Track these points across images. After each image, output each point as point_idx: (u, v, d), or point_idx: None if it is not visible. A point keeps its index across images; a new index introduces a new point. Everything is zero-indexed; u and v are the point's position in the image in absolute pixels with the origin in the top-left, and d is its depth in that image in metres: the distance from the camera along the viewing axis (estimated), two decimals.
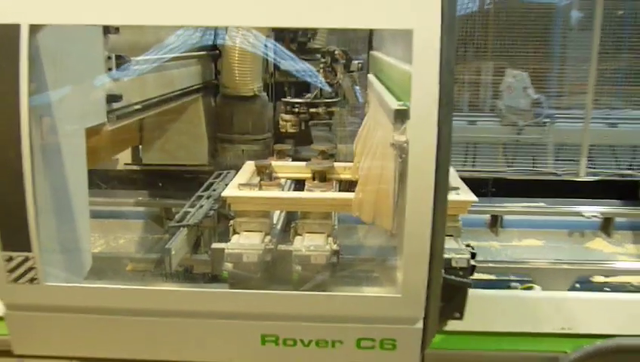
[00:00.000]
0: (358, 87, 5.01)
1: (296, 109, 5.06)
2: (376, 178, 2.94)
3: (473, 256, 3.00)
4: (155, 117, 4.41)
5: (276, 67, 5.32)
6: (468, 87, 7.03)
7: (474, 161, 6.85)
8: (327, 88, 4.96)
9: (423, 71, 2.21)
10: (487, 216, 5.69)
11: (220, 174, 4.41)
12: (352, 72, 4.97)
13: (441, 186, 2.32)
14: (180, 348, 2.83)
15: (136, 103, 3.57)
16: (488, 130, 6.91)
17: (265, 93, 5.31)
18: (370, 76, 4.26)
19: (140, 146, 5.22)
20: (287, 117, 5.18)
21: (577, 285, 4.21)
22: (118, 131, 3.36)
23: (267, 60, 5.25)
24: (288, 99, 5.15)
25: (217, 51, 5.32)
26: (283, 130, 5.24)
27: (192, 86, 4.82)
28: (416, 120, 2.25)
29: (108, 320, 2.76)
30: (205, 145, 5.19)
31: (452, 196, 3.13)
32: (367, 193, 3.06)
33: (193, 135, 5.13)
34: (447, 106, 2.25)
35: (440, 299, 2.53)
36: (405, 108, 2.36)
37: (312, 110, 5.23)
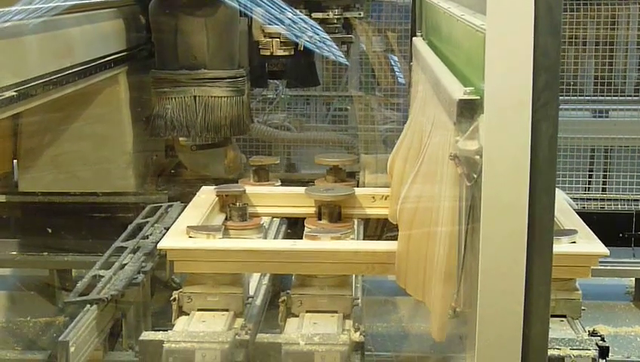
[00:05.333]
0: (395, 58, 5.08)
1: (289, 15, 5.04)
2: (430, 216, 2.96)
3: (604, 352, 3.01)
4: (40, 112, 4.46)
5: None
6: (593, 52, 7.04)
7: (605, 183, 6.85)
8: None
9: (504, 27, 2.24)
10: (630, 281, 5.69)
11: (156, 209, 4.45)
12: None
13: (541, 228, 2.33)
14: None
15: (6, 88, 3.63)
16: (631, 125, 6.91)
17: None
18: (417, 40, 4.31)
19: (15, 163, 5.27)
20: (274, 29, 5.18)
21: None
22: None
23: None
24: None
25: None
26: (266, 54, 5.25)
27: (108, 56, 4.91)
28: (494, 113, 2.27)
29: None
30: (130, 158, 5.24)
31: (563, 246, 3.15)
32: (415, 244, 3.09)
33: (109, 141, 5.19)
34: (549, 88, 2.27)
35: None
36: (477, 97, 2.39)
37: (317, 15, 5.23)
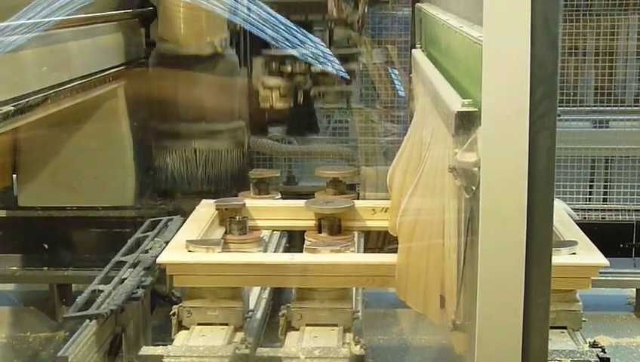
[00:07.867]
0: (396, 70, 5.08)
1: (289, 68, 5.07)
2: (430, 229, 2.96)
3: None
4: (39, 126, 4.46)
5: None
6: (593, 62, 7.04)
7: (606, 193, 6.84)
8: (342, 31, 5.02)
9: (501, 39, 2.24)
10: (631, 291, 5.68)
11: (156, 223, 4.45)
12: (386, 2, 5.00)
13: (540, 240, 2.33)
14: None
15: (4, 102, 3.64)
16: (632, 136, 6.91)
17: (233, 52, 5.32)
18: (416, 52, 4.32)
19: (15, 177, 5.28)
20: (273, 82, 5.17)
21: None
22: None
23: None
24: (273, 51, 5.12)
25: (151, 8, 5.42)
26: (266, 106, 5.25)
27: (108, 70, 4.93)
28: (491, 125, 2.27)
29: None
30: (130, 172, 5.25)
31: (563, 258, 3.15)
32: (415, 256, 3.09)
33: (109, 154, 5.20)
34: (547, 100, 2.27)
35: None
36: (474, 109, 2.40)
37: (316, 69, 5.23)
